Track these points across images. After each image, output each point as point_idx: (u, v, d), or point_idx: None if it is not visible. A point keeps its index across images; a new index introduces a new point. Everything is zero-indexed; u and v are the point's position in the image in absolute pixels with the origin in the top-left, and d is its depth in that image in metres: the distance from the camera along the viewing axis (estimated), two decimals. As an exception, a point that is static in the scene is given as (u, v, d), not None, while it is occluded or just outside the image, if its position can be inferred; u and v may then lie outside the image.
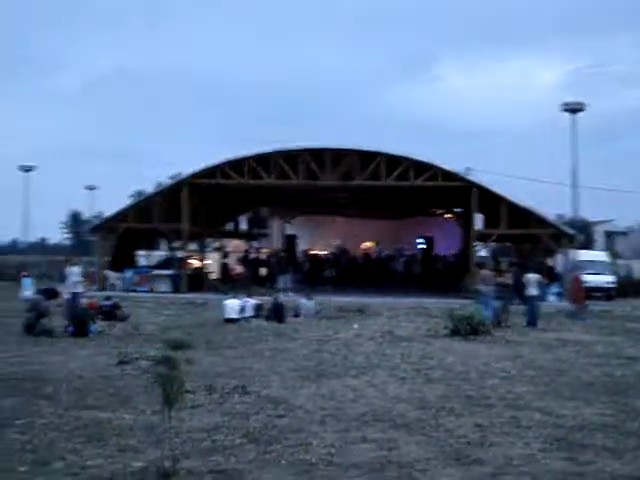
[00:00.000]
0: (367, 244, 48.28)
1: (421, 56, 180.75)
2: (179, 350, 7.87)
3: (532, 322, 22.88)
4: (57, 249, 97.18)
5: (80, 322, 19.30)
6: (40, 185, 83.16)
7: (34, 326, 19.42)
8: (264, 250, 46.22)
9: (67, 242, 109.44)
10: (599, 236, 65.75)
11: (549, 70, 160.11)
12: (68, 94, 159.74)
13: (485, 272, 23.96)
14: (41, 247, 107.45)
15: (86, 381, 12.14)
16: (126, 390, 11.18)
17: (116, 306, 23.61)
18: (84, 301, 20.01)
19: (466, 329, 19.54)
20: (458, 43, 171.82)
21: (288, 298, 29.09)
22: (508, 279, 24.99)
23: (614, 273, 40.63)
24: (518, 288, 25.65)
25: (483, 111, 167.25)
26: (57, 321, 19.86)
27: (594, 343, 18.91)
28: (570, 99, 29.30)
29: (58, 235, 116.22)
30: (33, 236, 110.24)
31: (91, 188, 53.26)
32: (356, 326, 21.96)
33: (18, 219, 44.82)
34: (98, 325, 20.27)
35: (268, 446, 8.14)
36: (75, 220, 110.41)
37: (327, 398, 10.96)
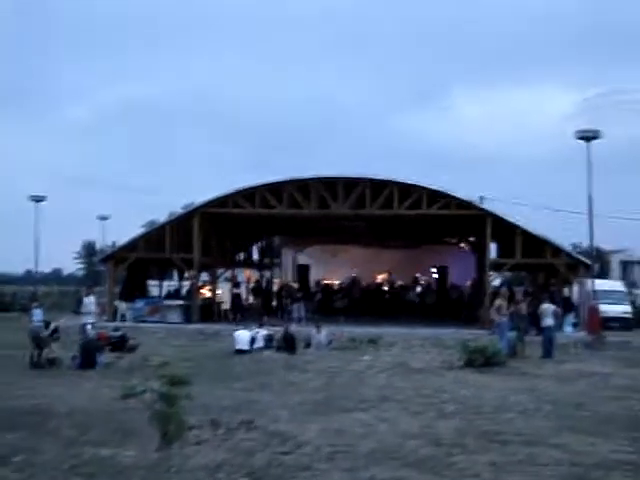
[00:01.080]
0: (381, 274, 47.82)
1: (434, 85, 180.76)
2: (179, 385, 7.60)
3: (548, 353, 22.44)
4: (71, 279, 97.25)
5: (87, 353, 19.04)
6: (54, 216, 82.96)
7: (37, 358, 19.20)
8: (276, 280, 45.90)
9: (81, 272, 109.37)
10: (615, 266, 65.00)
11: (563, 98, 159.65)
12: (79, 125, 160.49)
13: (499, 302, 23.53)
14: (55, 277, 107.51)
15: (89, 415, 11.85)
16: (129, 425, 10.84)
17: (124, 337, 23.35)
18: (93, 332, 19.70)
19: (480, 361, 19.15)
20: (470, 72, 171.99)
21: (300, 328, 28.78)
22: (523, 309, 24.53)
23: (631, 303, 40.10)
24: (534, 318, 25.26)
25: (495, 139, 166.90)
26: (63, 351, 19.60)
27: (612, 375, 18.49)
28: (585, 126, 28.93)
29: (72, 266, 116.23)
30: (48, 267, 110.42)
31: (103, 218, 53.13)
32: (367, 357, 21.58)
33: (30, 251, 44.58)
34: (105, 356, 20.03)
35: (272, 486, 7.81)
36: (89, 250, 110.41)
37: (336, 433, 10.62)
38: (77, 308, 21.26)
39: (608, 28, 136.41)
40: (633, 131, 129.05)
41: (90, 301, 20.71)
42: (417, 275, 46.86)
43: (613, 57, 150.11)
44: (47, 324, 20.79)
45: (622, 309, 37.50)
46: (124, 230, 37.31)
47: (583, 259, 33.73)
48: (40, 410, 12.20)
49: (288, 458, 9.04)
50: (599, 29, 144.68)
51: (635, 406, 13.47)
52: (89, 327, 19.58)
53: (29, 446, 9.56)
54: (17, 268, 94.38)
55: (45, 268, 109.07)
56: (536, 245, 33.30)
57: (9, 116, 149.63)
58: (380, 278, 47.07)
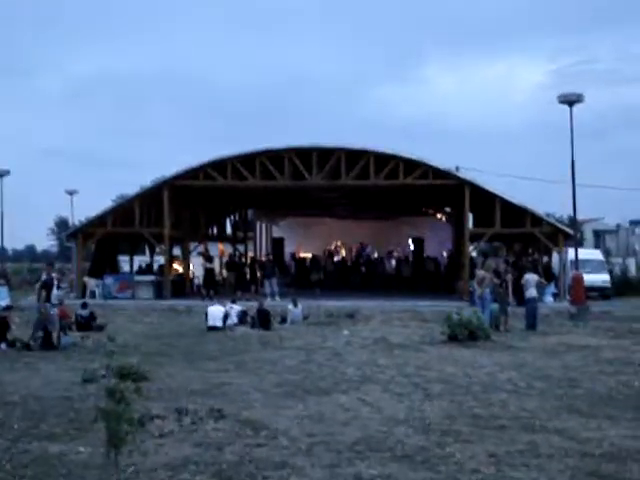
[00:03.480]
0: (356, 246, 46.93)
1: (407, 56, 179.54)
2: (131, 377, 6.61)
3: (532, 325, 21.64)
4: (45, 256, 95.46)
5: (49, 333, 17.95)
6: (28, 192, 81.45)
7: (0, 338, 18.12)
8: (250, 254, 44.85)
9: (54, 249, 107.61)
10: (588, 235, 64.67)
11: (534, 68, 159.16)
12: (51, 97, 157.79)
13: (481, 273, 22.67)
14: (29, 254, 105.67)
15: (44, 403, 10.79)
16: (86, 415, 9.76)
17: (92, 315, 22.26)
18: (54, 310, 18.58)
19: (464, 335, 18.30)
20: (443, 43, 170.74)
21: (274, 303, 27.82)
22: (509, 280, 23.66)
23: (609, 272, 39.58)
24: (516, 289, 24.47)
25: (469, 111, 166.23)
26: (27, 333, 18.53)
27: (601, 347, 17.72)
28: (562, 93, 27.90)
29: (46, 242, 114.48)
30: (21, 244, 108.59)
31: (71, 193, 51.74)
32: (346, 332, 20.69)
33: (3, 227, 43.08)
34: (70, 336, 18.99)
35: (242, 489, 6.82)
36: (61, 227, 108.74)
37: (315, 420, 9.65)
38: (40, 288, 20.00)
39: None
40: (602, 100, 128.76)
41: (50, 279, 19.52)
42: (393, 247, 46.04)
43: (583, 26, 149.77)
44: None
45: (601, 278, 36.97)
46: (97, 206, 36.17)
47: (564, 228, 33.03)
48: (-10, 399, 11.13)
49: (261, 452, 8.05)
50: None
51: (633, 382, 12.61)
52: (48, 305, 18.40)
53: (-30, 442, 8.52)
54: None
55: (18, 245, 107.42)
56: (515, 214, 32.50)
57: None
58: (356, 250, 46.21)
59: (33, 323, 18.54)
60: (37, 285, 19.95)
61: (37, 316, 18.45)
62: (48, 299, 18.58)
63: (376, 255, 45.54)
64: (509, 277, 23.88)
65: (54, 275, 20.14)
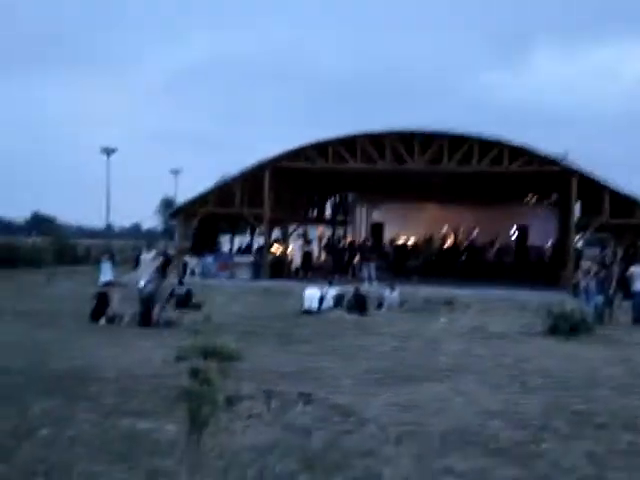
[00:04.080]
0: (457, 233, 46.14)
1: (516, 41, 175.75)
2: (218, 357, 6.47)
3: (638, 320, 20.78)
4: (150, 234, 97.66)
5: (147, 310, 18.20)
6: (138, 172, 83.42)
7: (100, 314, 18.47)
8: (348, 238, 44.66)
9: (159, 227, 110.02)
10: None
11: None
12: (158, 82, 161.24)
13: (587, 264, 21.89)
14: (135, 232, 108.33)
15: (137, 380, 10.85)
16: (177, 393, 9.77)
17: (190, 293, 22.51)
18: (150, 287, 18.81)
19: (565, 327, 17.66)
20: (554, 29, 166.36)
21: (371, 288, 27.59)
22: (615, 272, 22.78)
23: None
24: (623, 282, 23.55)
25: (577, 98, 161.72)
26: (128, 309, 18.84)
27: None
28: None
29: (152, 221, 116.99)
30: (128, 222, 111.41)
31: (175, 172, 52.67)
32: (443, 320, 20.31)
33: (112, 205, 44.15)
34: (168, 314, 19.20)
35: (326, 477, 6.61)
36: (168, 206, 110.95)
37: (405, 409, 9.39)
38: (135, 265, 20.36)
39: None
40: None
41: (148, 257, 19.76)
42: (495, 235, 45.09)
43: None
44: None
45: None
46: (202, 187, 36.71)
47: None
48: (85, 374, 11.26)
49: (349, 439, 7.85)
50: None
51: None
52: (142, 283, 18.65)
53: (62, 416, 8.58)
54: (100, 222, 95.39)
55: (125, 223, 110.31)
56: (624, 205, 31.30)
57: (94, 74, 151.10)
58: (458, 236, 45.39)
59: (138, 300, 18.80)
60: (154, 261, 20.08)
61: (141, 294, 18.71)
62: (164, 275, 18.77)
63: (479, 242, 44.68)
64: (615, 269, 22.99)
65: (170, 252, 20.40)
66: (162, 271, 18.75)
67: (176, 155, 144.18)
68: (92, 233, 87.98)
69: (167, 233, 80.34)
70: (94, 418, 8.58)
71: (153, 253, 20.22)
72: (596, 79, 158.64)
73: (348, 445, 7.61)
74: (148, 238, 36.35)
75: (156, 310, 18.28)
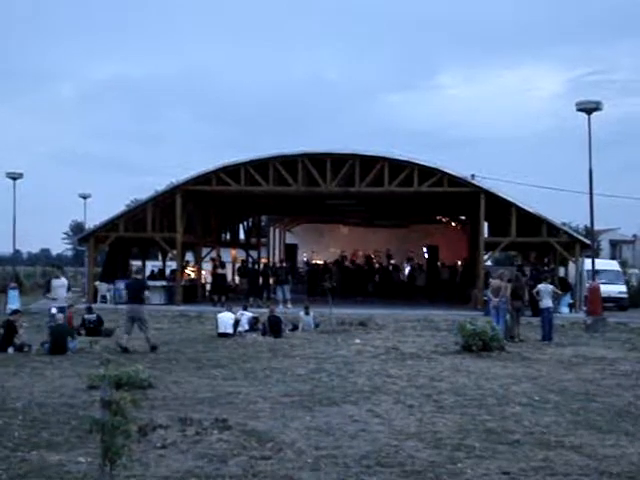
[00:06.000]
0: (369, 254, 46.57)
1: (422, 65, 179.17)
2: (128, 386, 6.29)
3: (547, 336, 21.25)
4: (60, 260, 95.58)
5: (57, 338, 17.72)
6: (45, 196, 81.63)
7: (8, 343, 17.92)
8: (263, 260, 44.58)
9: (69, 253, 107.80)
10: (604, 245, 63.97)
11: (550, 79, 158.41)
12: (65, 103, 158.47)
13: (496, 282, 22.29)
14: (44, 258, 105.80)
15: (47, 410, 10.54)
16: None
17: (100, 320, 22.08)
18: (60, 315, 18.37)
19: (478, 345, 17.93)
20: (459, 52, 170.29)
21: (286, 310, 27.53)
22: (519, 290, 23.24)
23: (625, 282, 39.11)
24: (531, 299, 24.08)
25: (485, 119, 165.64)
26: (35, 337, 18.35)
27: (618, 360, 17.31)
28: (581, 100, 27.38)
29: (61, 246, 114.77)
30: (36, 247, 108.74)
31: (85, 197, 51.67)
32: (358, 341, 20.38)
33: (19, 231, 42.90)
34: (78, 341, 18.74)
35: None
36: (77, 230, 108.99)
37: (323, 433, 9.37)
38: (46, 291, 19.86)
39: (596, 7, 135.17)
40: (619, 110, 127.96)
41: (59, 284, 19.30)
42: (407, 255, 45.65)
43: (600, 36, 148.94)
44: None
45: (618, 289, 36.58)
46: (112, 211, 36.06)
47: (581, 238, 32.63)
48: (-8, 405, 10.90)
49: (266, 465, 7.78)
50: (586, 9, 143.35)
51: (652, 397, 12.26)
52: (54, 310, 18.23)
53: (-32, 451, 8.28)
54: (7, 248, 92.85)
55: (34, 249, 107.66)
56: (531, 223, 32.13)
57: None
58: (370, 257, 45.80)
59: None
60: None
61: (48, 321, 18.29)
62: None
63: (392, 262, 45.18)
64: (524, 283, 23.51)
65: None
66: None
67: (85, 179, 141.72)
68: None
69: (77, 258, 78.81)
70: (1, 451, 8.30)
71: (63, 279, 19.78)
72: (504, 100, 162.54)
73: (265, 471, 7.54)
74: (57, 263, 35.52)
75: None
